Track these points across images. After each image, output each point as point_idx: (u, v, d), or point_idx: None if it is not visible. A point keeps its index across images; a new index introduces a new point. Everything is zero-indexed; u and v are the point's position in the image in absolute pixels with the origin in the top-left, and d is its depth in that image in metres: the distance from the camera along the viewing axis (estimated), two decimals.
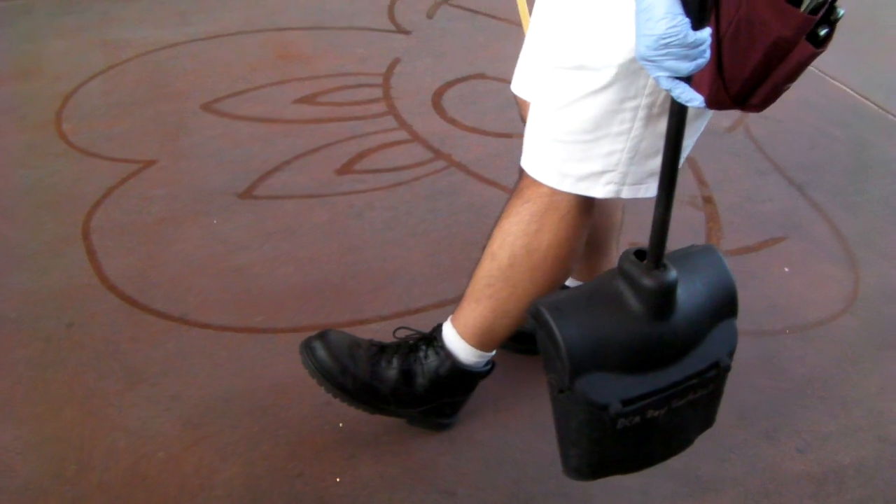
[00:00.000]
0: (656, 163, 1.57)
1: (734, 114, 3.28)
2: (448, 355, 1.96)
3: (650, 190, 1.68)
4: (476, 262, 1.87)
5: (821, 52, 1.38)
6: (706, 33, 1.23)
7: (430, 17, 4.16)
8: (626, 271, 1.45)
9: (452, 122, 3.26)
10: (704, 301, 1.51)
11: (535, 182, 1.75)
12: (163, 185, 2.89)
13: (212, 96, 3.41)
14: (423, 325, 2.08)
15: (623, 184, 1.69)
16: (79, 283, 2.48)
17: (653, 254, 1.44)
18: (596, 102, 1.60)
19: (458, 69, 3.64)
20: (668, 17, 1.19)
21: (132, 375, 2.19)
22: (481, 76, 3.59)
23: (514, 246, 1.79)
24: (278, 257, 2.57)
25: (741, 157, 3.05)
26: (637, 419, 1.48)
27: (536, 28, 1.81)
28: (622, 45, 1.51)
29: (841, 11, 1.37)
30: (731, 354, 1.53)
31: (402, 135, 3.18)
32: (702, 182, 2.89)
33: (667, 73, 1.25)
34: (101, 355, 2.24)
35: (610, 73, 1.54)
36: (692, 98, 1.26)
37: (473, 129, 3.21)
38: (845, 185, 2.95)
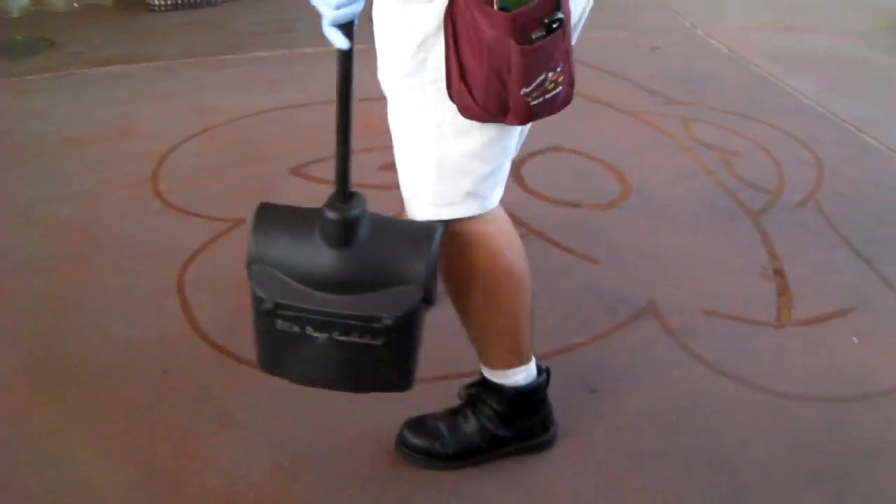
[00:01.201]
0: (468, 182, 1.74)
1: (804, 188, 3.37)
2: (497, 387, 2.08)
3: (469, 209, 1.79)
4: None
5: (532, 53, 1.50)
6: None
7: None
8: (326, 202, 1.65)
9: (531, 191, 3.37)
10: (386, 257, 1.66)
11: None
12: None
13: (299, 161, 3.55)
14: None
15: (438, 205, 1.79)
16: (173, 332, 2.61)
17: (337, 188, 1.67)
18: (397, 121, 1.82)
19: (537, 142, 3.74)
20: None
21: (224, 419, 2.30)
22: (558, 148, 3.70)
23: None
24: None
25: (811, 231, 3.12)
26: (296, 329, 1.68)
27: None
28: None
29: (559, 15, 1.52)
30: (399, 318, 1.63)
31: None
32: (773, 255, 2.96)
33: (322, 18, 1.45)
34: (194, 399, 2.37)
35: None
36: (337, 41, 1.48)
37: (550, 199, 3.31)
38: None
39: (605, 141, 3.75)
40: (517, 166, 3.53)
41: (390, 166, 3.39)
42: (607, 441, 2.23)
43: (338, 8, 1.42)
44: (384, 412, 2.22)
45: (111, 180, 3.42)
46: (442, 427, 2.14)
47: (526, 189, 3.38)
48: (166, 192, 3.36)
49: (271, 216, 1.73)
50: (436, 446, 2.12)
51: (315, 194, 3.21)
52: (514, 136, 1.81)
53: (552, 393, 2.25)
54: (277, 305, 1.66)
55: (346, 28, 1.48)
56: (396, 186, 2.34)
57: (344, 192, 1.67)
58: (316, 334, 1.67)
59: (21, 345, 2.56)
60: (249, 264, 1.70)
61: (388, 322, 1.62)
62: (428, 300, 1.68)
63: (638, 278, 2.83)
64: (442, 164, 1.74)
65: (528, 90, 1.56)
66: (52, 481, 2.13)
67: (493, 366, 2.06)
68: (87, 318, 2.66)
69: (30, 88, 4.34)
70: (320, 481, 2.12)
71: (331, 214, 1.63)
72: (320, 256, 1.66)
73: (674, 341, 2.56)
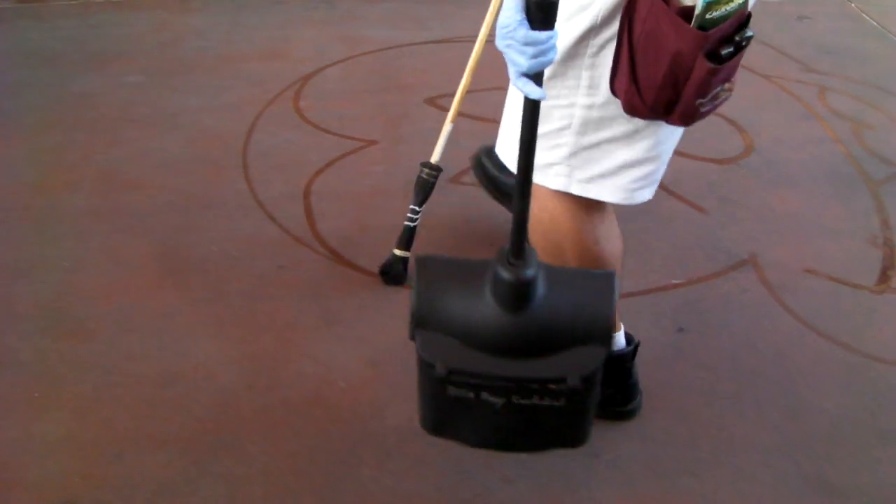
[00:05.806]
0: (602, 166, 1.73)
1: None
2: None
3: (601, 193, 1.77)
4: None
5: (719, 70, 1.49)
6: (545, 35, 1.35)
7: None
8: (496, 257, 1.52)
9: None
10: (567, 317, 1.54)
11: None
12: (380, 162, 3.19)
13: (435, 92, 3.68)
14: None
15: (571, 177, 1.77)
16: (294, 234, 2.80)
17: (512, 244, 1.52)
18: None
19: None
20: (506, 10, 1.37)
21: (327, 316, 2.47)
22: None
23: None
24: (472, 235, 2.82)
25: None
26: (470, 395, 1.56)
27: None
28: None
29: (749, 32, 1.50)
30: (585, 379, 1.53)
31: None
32: (886, 224, 2.95)
33: (514, 67, 1.40)
34: (303, 296, 2.54)
35: None
36: (531, 91, 1.39)
37: (682, 153, 3.35)
38: None
39: (736, 100, 3.64)
40: None
41: None
42: (685, 377, 2.31)
43: (534, 57, 1.39)
44: None
45: (256, 96, 3.63)
46: None
47: None
48: (306, 109, 3.54)
49: (435, 272, 1.60)
50: None
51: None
52: (667, 135, 1.79)
53: (643, 327, 2.34)
54: (451, 372, 1.55)
55: (537, 78, 1.41)
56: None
57: (519, 249, 1.53)
58: (492, 399, 1.58)
59: (154, 234, 2.79)
60: (415, 327, 1.58)
61: (573, 383, 1.54)
62: (609, 354, 1.65)
63: (743, 232, 2.87)
64: (583, 142, 1.74)
65: (703, 100, 1.56)
66: (162, 352, 2.35)
67: None
68: (215, 215, 2.87)
69: (193, 7, 4.58)
70: (406, 380, 2.23)
71: (506, 275, 1.51)
72: (495, 320, 1.53)
73: (769, 293, 2.60)
